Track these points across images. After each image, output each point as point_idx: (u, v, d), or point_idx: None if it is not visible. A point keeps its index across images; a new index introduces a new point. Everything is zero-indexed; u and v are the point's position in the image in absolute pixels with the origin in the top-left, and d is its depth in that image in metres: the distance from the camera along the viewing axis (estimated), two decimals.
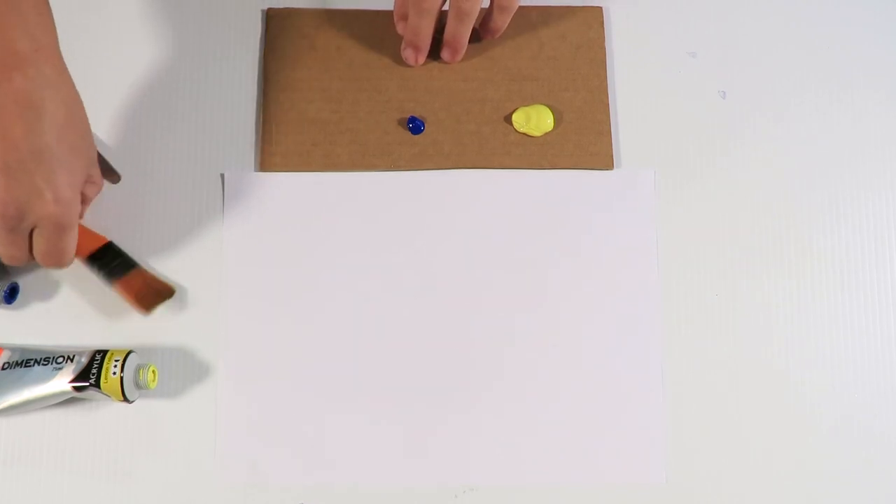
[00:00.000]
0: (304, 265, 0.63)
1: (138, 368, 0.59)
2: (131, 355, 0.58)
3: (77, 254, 0.57)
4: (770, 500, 0.61)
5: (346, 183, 0.64)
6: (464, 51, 0.65)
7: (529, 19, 0.67)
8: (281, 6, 0.67)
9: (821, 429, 0.62)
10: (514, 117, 0.65)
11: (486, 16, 0.64)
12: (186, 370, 0.61)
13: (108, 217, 0.63)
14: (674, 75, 0.67)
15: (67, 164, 0.52)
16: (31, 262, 0.55)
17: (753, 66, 0.67)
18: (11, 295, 0.60)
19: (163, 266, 0.63)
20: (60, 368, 0.58)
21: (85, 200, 0.58)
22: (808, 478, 0.62)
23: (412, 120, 0.65)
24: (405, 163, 0.65)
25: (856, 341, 0.63)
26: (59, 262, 0.55)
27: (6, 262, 0.55)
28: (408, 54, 0.65)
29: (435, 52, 0.66)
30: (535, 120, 0.65)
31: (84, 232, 0.59)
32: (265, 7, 0.67)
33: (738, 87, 0.67)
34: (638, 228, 0.64)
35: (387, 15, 0.66)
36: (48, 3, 0.54)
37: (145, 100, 0.65)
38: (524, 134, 0.65)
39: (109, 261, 0.60)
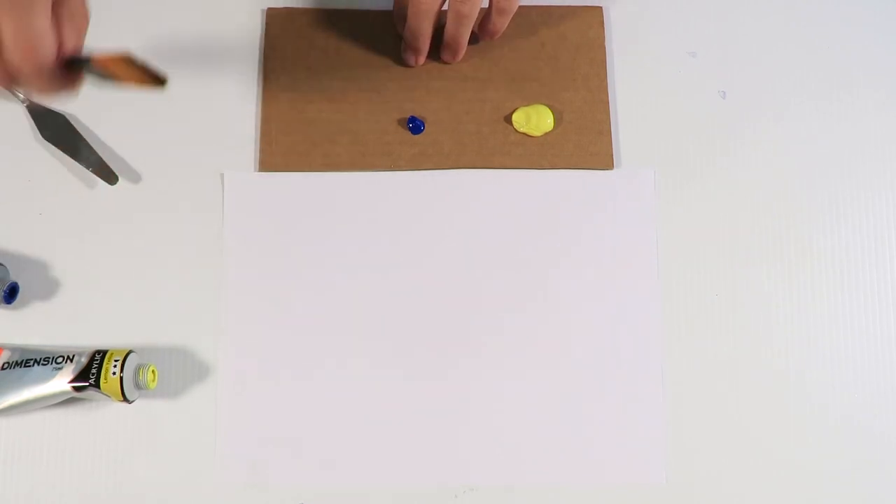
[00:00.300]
0: (304, 265, 0.63)
1: (138, 368, 0.59)
2: (131, 355, 0.58)
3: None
4: (770, 500, 0.61)
5: (345, 183, 0.64)
6: (463, 52, 0.65)
7: (529, 19, 0.67)
8: (281, 6, 0.67)
9: (821, 429, 0.62)
10: (514, 117, 0.65)
11: (484, 17, 0.63)
12: (186, 370, 0.61)
13: (108, 218, 0.63)
14: (674, 75, 0.67)
15: None
16: (10, 81, 0.47)
17: (753, 66, 0.67)
18: (11, 295, 0.60)
19: (162, 266, 0.63)
20: (60, 368, 0.58)
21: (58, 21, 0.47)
22: (808, 478, 0.62)
23: (412, 120, 0.65)
24: (405, 163, 0.65)
25: (856, 341, 0.63)
26: (33, 51, 0.45)
27: None
28: (408, 56, 0.65)
29: (435, 53, 0.65)
30: (535, 120, 0.65)
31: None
32: (265, 7, 0.67)
33: (738, 87, 0.67)
34: (638, 228, 0.64)
35: (387, 15, 0.66)
36: None
37: (145, 100, 0.65)
38: (524, 134, 0.65)
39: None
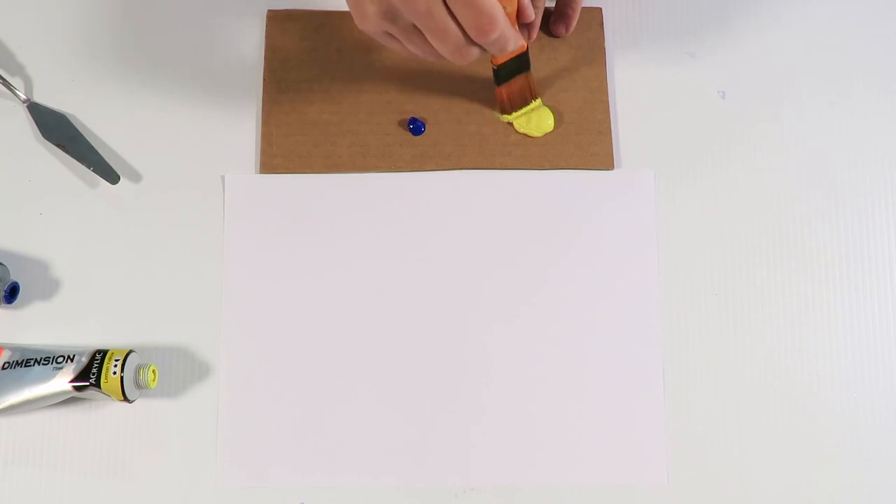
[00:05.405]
0: (305, 267, 0.63)
1: (138, 368, 0.59)
2: (131, 355, 0.58)
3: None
4: (772, 500, 0.61)
5: (346, 184, 0.64)
6: (576, 20, 0.65)
7: None
8: (281, 8, 0.67)
9: (822, 428, 0.62)
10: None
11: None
12: (186, 370, 0.61)
13: (109, 218, 0.63)
14: (674, 75, 0.67)
15: None
16: (472, 48, 0.52)
17: (753, 66, 0.67)
18: (11, 295, 0.60)
19: (163, 266, 0.63)
20: (60, 368, 0.57)
21: None
22: (810, 478, 0.61)
23: (413, 121, 0.65)
24: (406, 164, 0.65)
25: (856, 341, 0.63)
26: (490, 25, 0.49)
27: (452, 57, 0.52)
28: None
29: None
30: (536, 120, 0.65)
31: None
32: (266, 9, 0.67)
33: (738, 87, 0.67)
34: (638, 228, 0.64)
35: None
36: None
37: (146, 102, 0.65)
38: (525, 134, 0.65)
39: (508, 63, 0.61)
